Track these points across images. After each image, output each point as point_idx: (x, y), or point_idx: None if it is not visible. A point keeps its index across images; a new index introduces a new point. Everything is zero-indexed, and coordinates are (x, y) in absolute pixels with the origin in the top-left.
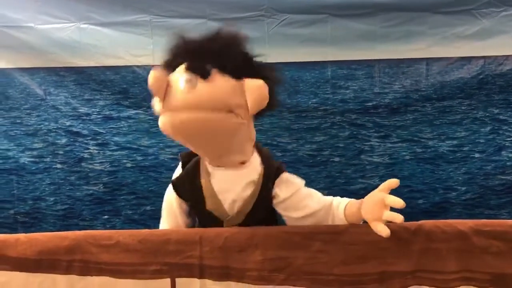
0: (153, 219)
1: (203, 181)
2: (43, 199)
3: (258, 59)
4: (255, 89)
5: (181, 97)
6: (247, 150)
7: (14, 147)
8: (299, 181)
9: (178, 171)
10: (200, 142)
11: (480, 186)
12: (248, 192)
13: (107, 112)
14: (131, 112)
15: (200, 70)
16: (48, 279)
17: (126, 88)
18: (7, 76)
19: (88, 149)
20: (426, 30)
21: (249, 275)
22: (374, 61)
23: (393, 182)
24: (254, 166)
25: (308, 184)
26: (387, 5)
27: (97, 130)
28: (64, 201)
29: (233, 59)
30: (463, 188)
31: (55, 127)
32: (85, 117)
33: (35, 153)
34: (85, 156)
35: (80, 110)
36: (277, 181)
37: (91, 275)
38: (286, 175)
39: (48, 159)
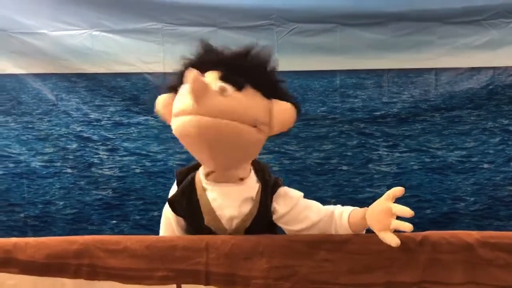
0: None
1: (200, 197)
2: (53, 203)
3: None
4: (283, 111)
5: (212, 102)
6: (248, 166)
7: (26, 151)
8: (297, 194)
9: (173, 189)
10: (218, 150)
11: (489, 197)
12: (247, 209)
13: (117, 118)
14: (141, 118)
15: (235, 81)
16: (57, 282)
17: (136, 94)
18: (20, 82)
19: (98, 154)
20: (436, 40)
21: (255, 283)
22: (383, 71)
23: (398, 191)
24: (252, 183)
25: (316, 192)
26: (396, 15)
27: (107, 136)
28: (74, 206)
29: (266, 79)
30: (472, 199)
31: (66, 132)
32: (95, 123)
33: (46, 157)
34: (95, 161)
35: (91, 116)
36: (275, 196)
37: (99, 280)
38: (283, 190)
39: (58, 164)
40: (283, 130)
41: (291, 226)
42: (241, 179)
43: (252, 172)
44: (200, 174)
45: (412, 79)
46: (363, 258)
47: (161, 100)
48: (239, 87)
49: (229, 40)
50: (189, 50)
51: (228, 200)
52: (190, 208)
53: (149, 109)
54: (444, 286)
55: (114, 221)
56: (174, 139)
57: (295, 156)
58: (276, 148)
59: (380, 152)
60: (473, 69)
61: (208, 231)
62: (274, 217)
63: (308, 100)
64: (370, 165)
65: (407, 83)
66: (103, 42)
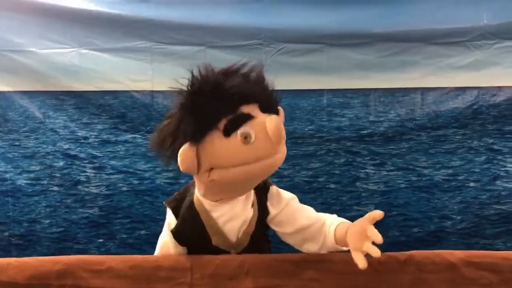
0: (148, 243)
1: (205, 220)
2: (39, 222)
3: None
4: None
5: (276, 131)
6: None
7: (12, 169)
8: (289, 195)
9: (171, 219)
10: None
11: (475, 215)
12: (250, 213)
13: (105, 136)
14: (129, 136)
15: (274, 108)
16: None
17: (124, 112)
18: (8, 99)
19: (85, 172)
20: (421, 60)
21: None
22: (369, 90)
23: (378, 214)
24: None
25: None
26: (382, 36)
27: (94, 154)
28: (60, 224)
29: (275, 98)
30: (459, 217)
31: (53, 150)
32: (83, 141)
33: (32, 175)
34: (81, 179)
35: (78, 134)
36: (268, 195)
37: None
38: (275, 189)
39: (45, 182)
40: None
41: (282, 227)
42: None
43: None
44: (198, 196)
45: (398, 98)
46: (348, 278)
47: (188, 157)
48: (277, 112)
49: (218, 59)
50: (178, 69)
51: (235, 211)
52: (195, 233)
53: (137, 127)
54: None
55: (100, 240)
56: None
57: (283, 174)
58: None
59: (368, 171)
60: (458, 89)
61: (216, 250)
62: (268, 218)
63: (296, 118)
64: (357, 183)
65: (394, 102)
66: (92, 60)
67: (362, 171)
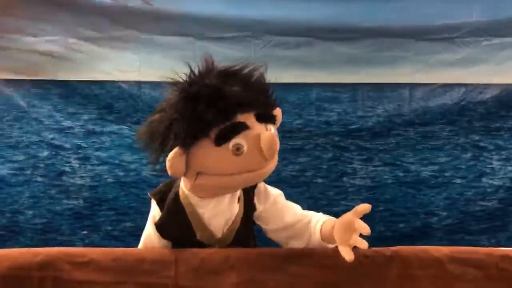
0: (133, 235)
1: (190, 214)
2: (22, 213)
3: None
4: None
5: (270, 148)
6: None
7: None
8: (276, 191)
9: (155, 211)
10: None
11: (461, 211)
12: (236, 209)
13: (91, 127)
14: (115, 127)
15: (271, 119)
16: None
17: (110, 103)
18: None
19: (70, 163)
20: (410, 56)
21: None
22: (358, 85)
23: (365, 208)
24: None
25: None
26: (372, 31)
27: (79, 144)
28: (43, 215)
29: (274, 104)
30: (444, 213)
31: (37, 140)
32: (68, 131)
33: (15, 165)
34: (66, 170)
35: (63, 124)
36: (255, 191)
37: None
38: (262, 185)
39: (28, 172)
40: None
41: (268, 224)
42: None
43: None
44: (184, 190)
45: (387, 93)
46: (333, 273)
47: (176, 162)
48: (273, 122)
49: (206, 51)
50: (166, 60)
51: (220, 207)
52: (179, 227)
53: (123, 118)
54: None
55: (84, 232)
56: None
57: None
58: None
59: (355, 166)
60: (446, 85)
61: (201, 245)
62: (255, 214)
63: (284, 112)
64: (344, 178)
65: (382, 97)
66: (78, 50)
67: (349, 166)
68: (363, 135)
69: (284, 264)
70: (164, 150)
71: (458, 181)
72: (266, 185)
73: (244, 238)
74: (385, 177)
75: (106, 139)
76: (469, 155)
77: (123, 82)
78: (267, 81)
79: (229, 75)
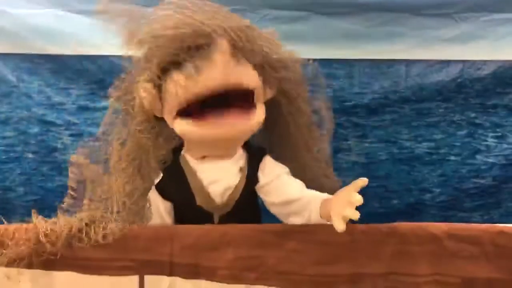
0: None
1: (190, 179)
2: (13, 190)
3: None
4: None
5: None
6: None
7: None
8: (281, 167)
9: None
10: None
11: (455, 188)
12: (237, 179)
13: (82, 102)
14: (107, 103)
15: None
16: (10, 273)
17: (102, 78)
18: None
19: (62, 139)
20: (407, 31)
21: (220, 274)
22: (354, 61)
23: (363, 182)
24: (239, 153)
25: None
26: (369, 5)
27: (71, 120)
28: (35, 192)
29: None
30: (438, 190)
31: (27, 116)
32: (59, 106)
33: (5, 142)
34: (58, 146)
35: (54, 99)
36: (261, 165)
37: (56, 270)
38: (269, 159)
39: (19, 148)
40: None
41: (269, 197)
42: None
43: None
44: (186, 155)
45: (383, 70)
46: (331, 249)
47: (148, 94)
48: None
49: None
50: None
51: (220, 174)
52: (179, 191)
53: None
54: (410, 278)
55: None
56: None
57: None
58: None
59: (349, 142)
60: (443, 62)
61: (200, 210)
62: (257, 186)
63: None
64: (339, 155)
65: (378, 74)
66: (68, 22)
67: (344, 142)
68: (358, 111)
69: (282, 240)
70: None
71: (453, 158)
72: (271, 159)
73: (245, 208)
74: (380, 153)
75: (98, 115)
76: (464, 132)
77: (115, 56)
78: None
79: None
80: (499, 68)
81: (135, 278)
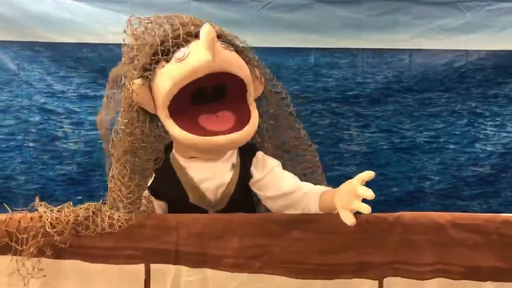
0: None
1: (181, 177)
2: (14, 178)
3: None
4: (259, 77)
5: (224, 55)
6: None
7: None
8: (273, 161)
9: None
10: None
11: (453, 176)
12: (230, 175)
13: (83, 91)
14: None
15: (229, 41)
16: (19, 261)
17: (103, 66)
18: None
19: (63, 127)
20: (411, 20)
21: (226, 262)
22: (357, 50)
23: (368, 175)
24: (231, 150)
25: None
26: None
27: (72, 109)
28: (36, 181)
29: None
30: (437, 178)
31: (28, 104)
32: (60, 95)
33: (6, 130)
34: (59, 135)
35: (55, 87)
36: (254, 160)
37: (64, 259)
38: (261, 154)
39: (20, 137)
40: (257, 94)
41: (263, 191)
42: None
43: None
44: (176, 154)
45: (386, 59)
46: (335, 238)
47: (137, 87)
48: (235, 48)
49: (202, 12)
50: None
51: (211, 171)
52: (172, 190)
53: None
54: (414, 267)
55: (79, 197)
56: None
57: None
58: None
59: (351, 132)
60: (446, 51)
61: (194, 208)
62: (251, 181)
63: (281, 78)
64: (340, 145)
65: (381, 63)
66: (69, 10)
67: (346, 132)
68: (360, 101)
69: (287, 229)
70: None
71: (452, 146)
72: (264, 155)
73: (240, 205)
74: (381, 143)
75: (99, 103)
76: (464, 121)
77: (115, 44)
78: None
79: None
80: (502, 58)
81: (141, 267)
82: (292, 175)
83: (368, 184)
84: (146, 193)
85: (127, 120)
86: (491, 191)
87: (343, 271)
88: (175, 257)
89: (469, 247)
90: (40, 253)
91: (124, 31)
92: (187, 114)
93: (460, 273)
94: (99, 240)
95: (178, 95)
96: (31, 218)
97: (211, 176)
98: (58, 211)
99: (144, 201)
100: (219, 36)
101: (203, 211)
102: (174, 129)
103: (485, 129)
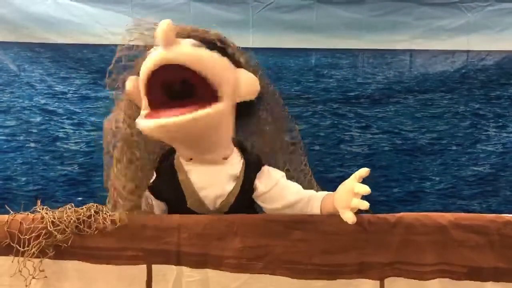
0: None
1: (182, 180)
2: (14, 179)
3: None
4: (249, 79)
5: (182, 49)
6: (230, 145)
7: None
8: (278, 174)
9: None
10: (191, 139)
11: (454, 176)
12: (231, 186)
13: (84, 92)
14: (109, 92)
15: (207, 42)
16: (20, 262)
17: (104, 67)
18: None
19: (64, 128)
20: (412, 21)
21: (227, 263)
22: (358, 51)
23: (364, 172)
24: (235, 161)
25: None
26: None
27: (73, 110)
28: (37, 182)
29: (231, 49)
30: (437, 178)
31: (29, 105)
32: (61, 96)
33: (7, 131)
34: (60, 136)
35: (56, 88)
36: (258, 174)
37: (65, 259)
38: (266, 168)
39: (21, 138)
40: (249, 97)
41: (268, 204)
42: (225, 158)
43: (236, 150)
44: (180, 157)
45: (387, 60)
46: (337, 239)
47: (131, 83)
48: (210, 48)
49: (203, 13)
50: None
51: (212, 179)
52: (171, 192)
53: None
54: (416, 267)
55: (80, 198)
56: None
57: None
58: None
59: (352, 133)
60: (447, 52)
61: (192, 212)
62: (254, 194)
63: (282, 79)
64: (341, 146)
65: (382, 64)
66: (69, 11)
67: (347, 133)
68: (362, 102)
69: (288, 230)
70: None
71: (454, 148)
72: (269, 168)
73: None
74: (383, 144)
75: (100, 104)
76: (467, 123)
77: (116, 45)
78: None
79: None
80: (504, 59)
81: (143, 267)
82: (295, 184)
83: (369, 185)
84: (146, 193)
85: (126, 115)
86: (491, 191)
87: (345, 271)
88: (176, 258)
89: (471, 247)
90: (42, 254)
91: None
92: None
93: (461, 273)
94: (100, 241)
95: (152, 91)
96: (33, 219)
97: (211, 184)
98: (60, 212)
99: (143, 201)
100: (190, 36)
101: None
102: (140, 123)
103: (488, 130)
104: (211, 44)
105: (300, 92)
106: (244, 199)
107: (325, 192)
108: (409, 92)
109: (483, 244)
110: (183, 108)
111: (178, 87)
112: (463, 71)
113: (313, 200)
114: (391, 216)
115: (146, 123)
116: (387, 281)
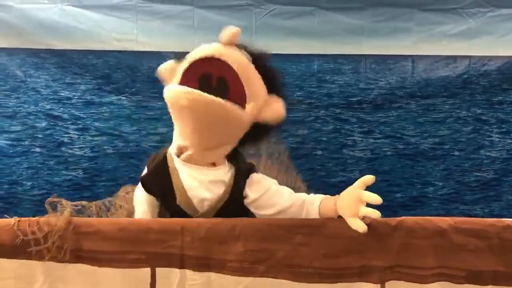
0: None
1: (172, 175)
2: (20, 184)
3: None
4: (277, 107)
5: (235, 51)
6: (223, 154)
7: None
8: (269, 181)
9: (145, 171)
10: (205, 125)
11: (457, 181)
12: (218, 192)
13: (89, 97)
14: (113, 97)
15: (251, 53)
16: (25, 265)
17: (108, 73)
18: None
19: (68, 133)
20: (413, 27)
21: (230, 266)
22: (360, 56)
23: (369, 179)
24: (224, 168)
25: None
26: (375, 0)
27: (77, 115)
28: (42, 186)
29: (269, 72)
30: (440, 184)
31: (34, 110)
32: (66, 101)
33: (13, 136)
34: (65, 141)
35: (61, 94)
36: (248, 182)
37: (69, 262)
38: (256, 176)
39: (26, 143)
40: (271, 121)
41: (261, 211)
42: (213, 164)
43: (225, 160)
44: (171, 153)
45: (389, 65)
46: (338, 243)
47: (167, 64)
48: (258, 67)
49: (206, 20)
50: (164, 29)
51: (198, 181)
52: (162, 186)
53: (122, 89)
54: (416, 271)
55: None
56: (148, 120)
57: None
58: None
59: (355, 138)
60: (449, 57)
61: (180, 210)
62: (246, 201)
63: (285, 84)
64: (344, 150)
65: (384, 69)
66: (74, 17)
67: (350, 138)
68: (364, 107)
69: (289, 234)
70: None
71: (457, 153)
72: (260, 176)
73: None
74: (385, 149)
75: (105, 109)
76: (469, 128)
77: (120, 51)
78: None
79: None
80: (506, 64)
81: (147, 271)
82: (287, 188)
83: (371, 189)
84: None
85: None
86: (493, 196)
87: (346, 274)
88: (180, 261)
89: (471, 251)
90: (47, 257)
91: None
92: None
93: (461, 277)
94: (104, 244)
95: (188, 78)
96: (38, 222)
97: (198, 186)
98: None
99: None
100: (238, 45)
101: (188, 216)
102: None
103: (491, 136)
104: (261, 66)
105: (303, 97)
106: (234, 206)
107: (320, 196)
108: (411, 97)
109: (483, 248)
110: None
111: (214, 82)
112: (465, 76)
113: (308, 204)
114: (392, 220)
115: (177, 87)
116: (388, 285)
